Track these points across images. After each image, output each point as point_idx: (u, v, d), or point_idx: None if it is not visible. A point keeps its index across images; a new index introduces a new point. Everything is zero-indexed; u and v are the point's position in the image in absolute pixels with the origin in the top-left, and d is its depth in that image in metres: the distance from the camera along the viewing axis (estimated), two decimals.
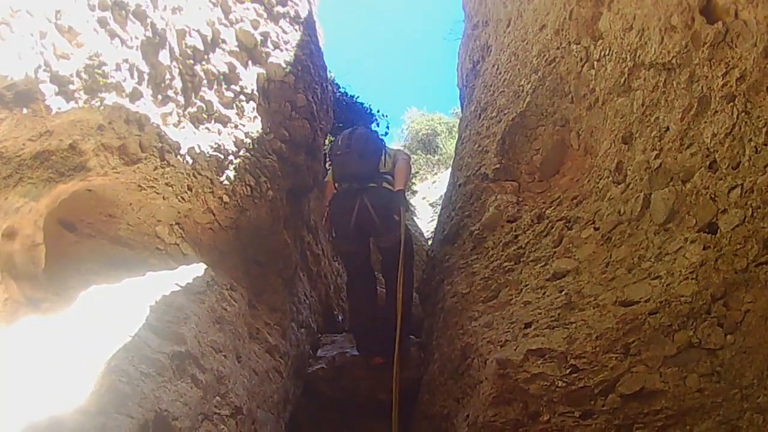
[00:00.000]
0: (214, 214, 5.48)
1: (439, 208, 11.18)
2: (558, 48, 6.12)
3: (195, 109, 5.06)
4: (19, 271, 3.83)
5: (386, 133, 14.91)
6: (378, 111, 13.46)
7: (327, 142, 10.61)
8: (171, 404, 3.76)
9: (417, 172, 31.79)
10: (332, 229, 7.40)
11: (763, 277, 3.48)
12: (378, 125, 13.53)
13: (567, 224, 5.28)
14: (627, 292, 4.28)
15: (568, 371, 4.17)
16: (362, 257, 7.53)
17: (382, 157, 7.48)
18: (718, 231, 3.76)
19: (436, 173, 32.97)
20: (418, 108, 41.73)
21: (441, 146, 35.46)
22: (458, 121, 12.23)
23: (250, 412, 4.99)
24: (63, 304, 3.98)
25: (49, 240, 4.10)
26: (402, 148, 8.40)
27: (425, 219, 23.30)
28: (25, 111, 3.22)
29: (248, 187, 5.81)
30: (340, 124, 11.44)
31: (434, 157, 35.15)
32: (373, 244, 7.59)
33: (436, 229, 8.87)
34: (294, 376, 6.85)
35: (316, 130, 7.86)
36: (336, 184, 7.52)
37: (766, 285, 3.48)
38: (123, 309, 4.09)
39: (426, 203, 27.07)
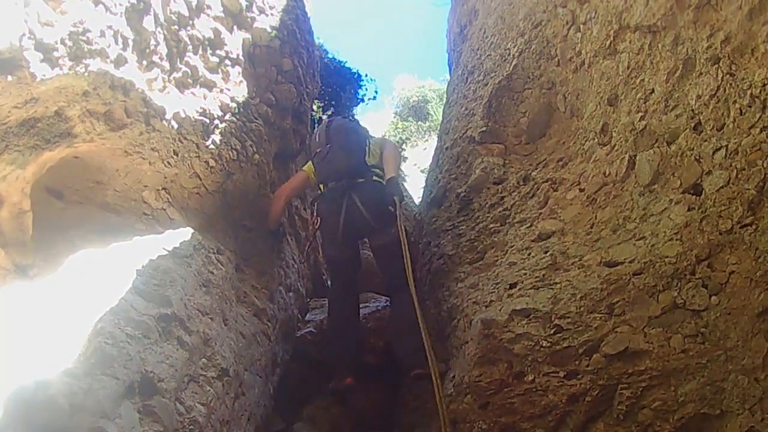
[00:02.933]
0: (200, 179, 5.45)
1: None
2: (544, 11, 6.09)
3: (180, 74, 5.01)
4: (6, 239, 3.82)
5: (374, 97, 14.84)
6: (366, 75, 13.39)
7: (315, 107, 10.57)
8: (157, 366, 3.76)
9: (408, 138, 31.73)
10: (318, 232, 6.90)
11: (748, 239, 3.50)
12: (366, 89, 13.47)
13: (553, 186, 5.29)
14: (612, 253, 4.31)
15: (552, 331, 4.20)
16: (351, 267, 6.75)
17: (367, 148, 6.87)
18: (703, 192, 3.78)
19: (426, 140, 32.86)
20: (408, 74, 41.49)
21: (432, 113, 35.25)
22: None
23: (237, 374, 4.99)
24: (51, 270, 3.97)
25: (37, 207, 4.07)
26: (385, 137, 7.63)
27: (417, 186, 23.30)
28: (9, 78, 3.20)
29: (234, 152, 5.77)
30: (329, 89, 11.40)
31: (425, 123, 34.98)
32: (365, 248, 7.14)
33: (423, 192, 8.80)
34: (282, 340, 6.85)
35: (303, 94, 7.78)
36: (321, 186, 6.92)
37: (750, 247, 3.49)
38: (110, 273, 4.08)
39: (417, 170, 27.06)
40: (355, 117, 8.01)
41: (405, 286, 5.71)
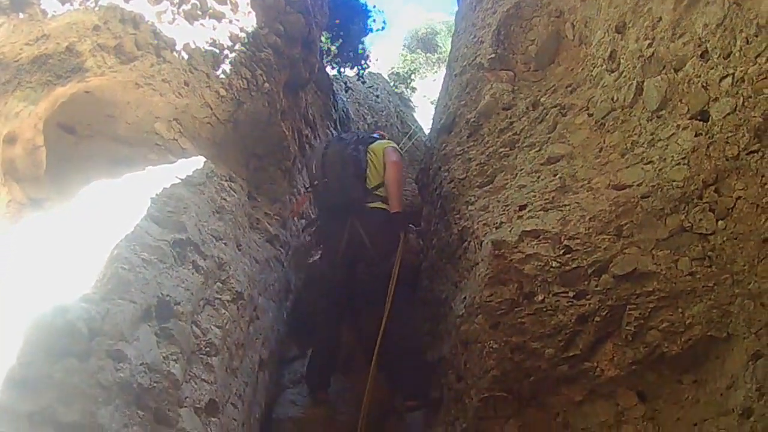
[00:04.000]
0: (211, 108, 5.44)
1: None
2: None
3: (189, 6, 4.96)
4: (21, 174, 3.85)
5: (382, 28, 14.75)
6: (374, 7, 13.29)
7: (324, 39, 10.47)
8: (173, 290, 3.80)
9: (417, 70, 31.57)
10: (317, 248, 6.74)
11: (755, 166, 3.46)
12: (374, 21, 13.30)
13: (561, 111, 5.25)
14: (620, 176, 4.29)
15: (561, 252, 4.20)
16: (345, 292, 6.39)
17: (366, 172, 6.40)
18: (710, 119, 3.74)
19: (435, 71, 32.75)
20: (416, 5, 41.14)
21: (441, 45, 35.08)
22: None
23: (251, 299, 5.06)
24: (65, 203, 3.99)
25: (50, 143, 4.10)
26: (385, 141, 6.97)
27: (426, 116, 23.28)
28: (21, 16, 3.22)
29: (245, 81, 5.74)
30: (337, 20, 11.27)
31: (434, 55, 34.82)
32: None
33: (433, 118, 8.72)
34: (295, 267, 6.91)
35: (311, 24, 7.67)
36: (318, 209, 6.84)
37: (757, 173, 3.46)
38: (124, 202, 4.10)
39: (427, 101, 27.01)
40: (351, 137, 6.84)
41: (399, 312, 5.75)
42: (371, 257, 6.09)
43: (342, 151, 6.48)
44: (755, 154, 3.46)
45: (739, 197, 3.56)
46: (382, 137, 7.16)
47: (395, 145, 6.67)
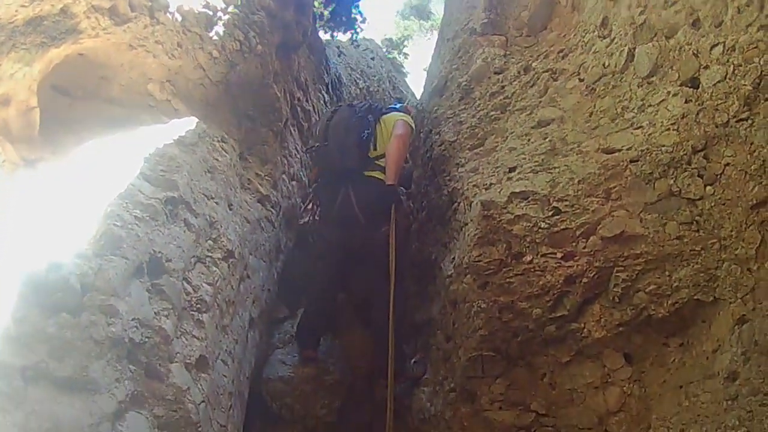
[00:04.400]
0: (204, 70, 5.42)
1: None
2: None
3: None
4: (14, 135, 3.84)
5: None
6: None
7: (316, 4, 10.40)
8: (164, 247, 3.80)
9: (410, 37, 31.42)
10: (316, 211, 6.59)
11: (744, 133, 3.52)
12: None
13: (553, 75, 5.27)
14: (610, 140, 4.33)
15: (550, 213, 4.24)
16: (345, 247, 6.35)
17: (373, 139, 6.34)
18: (700, 86, 3.81)
19: (428, 38, 32.56)
20: None
21: (434, 12, 34.89)
22: None
23: (242, 257, 5.07)
24: (59, 163, 3.99)
25: (44, 105, 4.09)
26: (400, 113, 6.66)
27: (419, 84, 23.25)
28: None
29: (237, 43, 5.71)
30: None
31: (427, 22, 34.64)
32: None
33: (425, 82, 8.70)
34: (286, 227, 6.91)
35: None
36: (318, 172, 6.79)
37: (746, 141, 3.52)
38: (117, 161, 4.10)
39: (420, 67, 26.97)
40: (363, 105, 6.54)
41: (386, 284, 5.70)
42: (361, 224, 6.05)
43: (349, 117, 6.40)
44: (744, 121, 3.52)
45: (728, 164, 3.61)
46: (407, 110, 6.99)
47: (408, 119, 6.52)
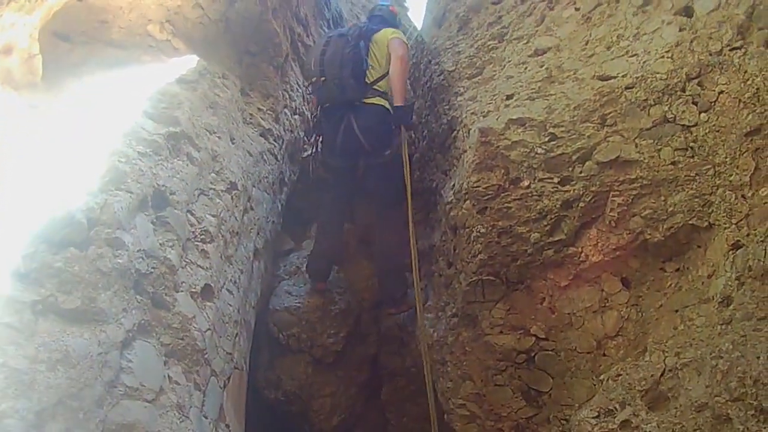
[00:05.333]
0: (203, 9, 5.40)
1: None
2: None
3: None
4: (18, 82, 3.85)
5: None
6: None
7: None
8: (168, 180, 3.85)
9: None
10: (319, 141, 6.53)
11: (737, 62, 3.54)
12: None
13: (549, 5, 5.22)
14: (605, 68, 4.31)
15: (547, 139, 4.22)
16: (348, 178, 6.46)
17: (367, 69, 6.22)
18: (694, 14, 3.85)
19: None
20: None
21: None
22: None
23: (245, 189, 5.12)
24: (62, 106, 4.01)
25: (45, 52, 4.10)
26: (390, 29, 6.54)
27: (421, 17, 22.98)
28: None
29: None
30: None
31: None
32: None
33: (424, 15, 8.60)
34: (289, 160, 6.94)
35: None
36: (318, 102, 6.61)
37: (739, 69, 3.53)
38: (119, 100, 4.12)
39: (422, 2, 26.69)
40: (357, 27, 6.23)
41: (390, 212, 5.91)
42: (365, 151, 6.09)
43: (342, 49, 6.27)
44: (738, 50, 3.54)
45: (722, 91, 3.63)
46: (392, 12, 7.11)
47: (400, 35, 6.45)
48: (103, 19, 4.76)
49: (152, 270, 3.41)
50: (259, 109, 6.18)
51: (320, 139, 6.46)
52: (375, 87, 6.19)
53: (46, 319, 2.75)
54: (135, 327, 3.16)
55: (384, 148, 6.08)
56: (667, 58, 3.93)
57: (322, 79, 6.24)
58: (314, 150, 6.70)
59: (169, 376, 3.35)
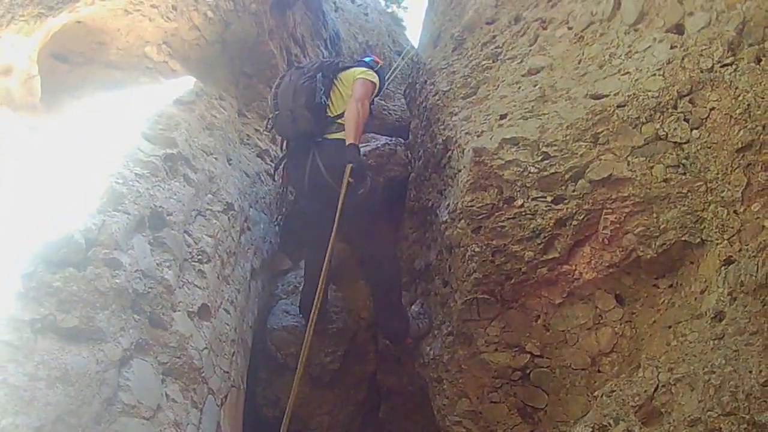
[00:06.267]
0: (199, 30, 5.46)
1: None
2: None
3: None
4: (17, 103, 3.91)
5: None
6: None
7: None
8: (165, 201, 3.90)
9: None
10: (288, 185, 6.33)
11: (728, 78, 3.56)
12: None
13: (542, 24, 5.27)
14: (598, 86, 4.35)
15: (540, 158, 4.26)
16: (322, 219, 5.63)
17: (331, 98, 5.85)
18: (685, 32, 3.87)
19: None
20: None
21: None
22: None
23: (242, 210, 5.17)
24: (60, 127, 4.06)
25: (44, 73, 4.17)
26: (360, 69, 6.13)
27: (419, 36, 22.97)
28: None
29: (231, 2, 5.71)
30: None
31: None
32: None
33: (420, 34, 8.63)
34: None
35: None
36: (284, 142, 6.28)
37: (730, 86, 3.56)
38: (117, 121, 4.17)
39: (419, 22, 26.76)
40: (319, 60, 5.88)
41: (381, 261, 5.72)
42: (334, 191, 5.41)
43: (296, 81, 5.84)
44: (729, 66, 3.56)
45: (713, 108, 3.65)
46: (375, 62, 6.50)
47: (368, 76, 6.04)
48: (101, 41, 4.81)
49: (149, 290, 3.45)
50: (256, 129, 6.22)
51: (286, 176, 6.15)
52: (339, 121, 5.76)
53: (45, 337, 2.79)
54: (133, 346, 3.20)
55: (355, 188, 5.42)
56: (659, 75, 3.96)
57: (276, 112, 5.88)
58: (282, 189, 6.57)
59: (166, 394, 3.38)
